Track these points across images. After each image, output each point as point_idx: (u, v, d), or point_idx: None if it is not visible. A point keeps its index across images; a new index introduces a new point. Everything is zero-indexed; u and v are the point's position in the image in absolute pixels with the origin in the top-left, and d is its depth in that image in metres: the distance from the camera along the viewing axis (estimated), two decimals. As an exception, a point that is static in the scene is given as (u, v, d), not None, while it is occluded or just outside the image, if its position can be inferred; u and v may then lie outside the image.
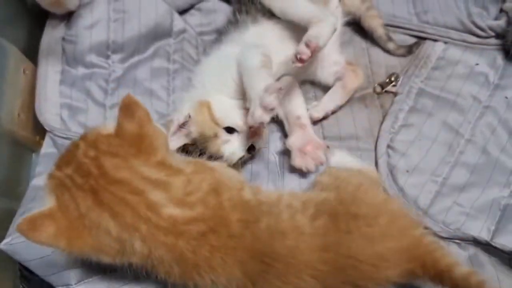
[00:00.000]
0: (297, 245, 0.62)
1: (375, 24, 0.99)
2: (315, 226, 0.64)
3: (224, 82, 0.84)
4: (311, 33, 0.78)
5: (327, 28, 0.79)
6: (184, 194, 0.61)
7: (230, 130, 0.83)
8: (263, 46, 0.83)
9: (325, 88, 0.96)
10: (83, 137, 0.62)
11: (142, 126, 0.60)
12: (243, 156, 0.84)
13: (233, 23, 0.91)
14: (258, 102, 0.73)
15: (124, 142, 0.59)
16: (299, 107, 0.90)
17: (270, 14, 0.89)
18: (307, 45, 0.76)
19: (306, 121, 0.89)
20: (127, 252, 0.59)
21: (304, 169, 0.85)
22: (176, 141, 0.83)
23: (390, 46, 1.00)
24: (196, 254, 0.60)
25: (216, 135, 0.83)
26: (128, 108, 0.60)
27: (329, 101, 0.93)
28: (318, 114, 0.93)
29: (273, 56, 0.82)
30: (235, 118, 0.83)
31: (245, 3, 0.91)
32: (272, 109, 0.72)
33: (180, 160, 0.66)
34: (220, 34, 0.93)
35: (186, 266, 0.61)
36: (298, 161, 0.85)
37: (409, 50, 1.00)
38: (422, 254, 0.64)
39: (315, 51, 0.76)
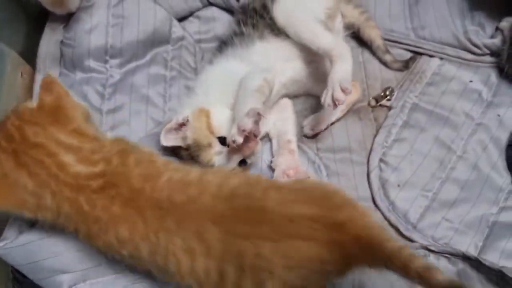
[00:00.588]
0: (200, 194, 0.64)
1: (373, 34, 1.00)
2: (225, 183, 0.66)
3: (227, 94, 0.85)
4: (339, 75, 0.81)
5: (350, 66, 0.83)
6: (90, 153, 0.68)
7: (224, 142, 0.84)
8: (268, 70, 0.85)
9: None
10: (13, 111, 0.71)
11: (60, 99, 0.70)
12: (234, 169, 0.85)
13: (238, 35, 0.92)
14: (236, 123, 0.75)
15: (43, 113, 0.69)
16: (291, 132, 0.92)
17: (278, 31, 0.90)
18: (343, 90, 0.79)
19: (295, 147, 0.91)
20: (42, 207, 0.67)
21: None
22: (170, 139, 0.83)
23: (387, 58, 1.01)
24: (95, 207, 0.65)
25: (210, 145, 0.84)
26: (48, 85, 0.71)
27: (326, 115, 0.94)
28: (312, 132, 0.95)
29: (277, 75, 0.85)
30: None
31: (252, 16, 0.91)
32: (244, 131, 0.74)
33: (101, 133, 0.74)
34: (225, 44, 0.93)
35: (88, 221, 0.66)
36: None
37: (406, 65, 1.01)
38: (357, 228, 0.63)
39: (348, 93, 0.80)
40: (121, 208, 0.64)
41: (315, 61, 0.92)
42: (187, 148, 0.84)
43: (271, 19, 0.89)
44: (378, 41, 1.00)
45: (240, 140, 0.75)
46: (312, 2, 0.90)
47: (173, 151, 0.85)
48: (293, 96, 0.97)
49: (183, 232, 0.63)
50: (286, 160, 0.88)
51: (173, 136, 0.84)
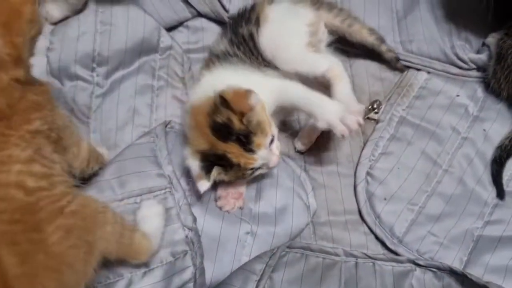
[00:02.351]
0: None
1: (362, 35, 0.98)
2: None
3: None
4: (344, 98, 0.83)
5: (348, 83, 0.86)
6: None
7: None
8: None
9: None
10: None
11: None
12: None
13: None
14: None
15: None
16: None
17: (268, 64, 0.88)
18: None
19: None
20: None
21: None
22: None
23: (383, 48, 0.99)
24: None
25: (266, 135, 0.80)
26: None
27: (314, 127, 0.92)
28: (305, 148, 0.95)
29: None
30: None
31: (242, 44, 0.89)
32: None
33: None
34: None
35: None
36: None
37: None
38: None
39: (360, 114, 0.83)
40: None
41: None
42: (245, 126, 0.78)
43: (257, 50, 0.88)
44: (369, 39, 0.98)
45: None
46: (294, 26, 0.89)
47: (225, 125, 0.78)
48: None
49: None
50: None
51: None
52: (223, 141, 0.77)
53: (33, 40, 0.67)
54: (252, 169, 0.79)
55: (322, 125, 0.80)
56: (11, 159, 0.58)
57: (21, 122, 0.61)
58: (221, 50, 0.89)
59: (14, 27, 0.62)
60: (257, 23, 0.88)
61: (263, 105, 0.80)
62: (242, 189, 0.87)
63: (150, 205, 0.79)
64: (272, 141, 0.80)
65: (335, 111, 0.80)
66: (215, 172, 0.78)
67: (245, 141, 0.77)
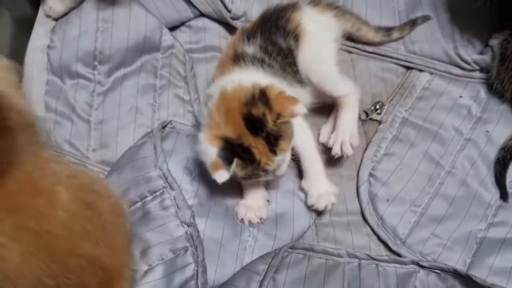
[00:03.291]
0: None
1: (368, 38, 1.00)
2: None
3: None
4: (349, 127, 0.86)
5: (356, 114, 0.89)
6: None
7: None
8: None
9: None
10: None
11: None
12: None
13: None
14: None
15: None
16: None
17: (302, 81, 0.89)
18: (352, 144, 0.86)
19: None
20: None
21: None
22: None
23: (394, 37, 1.01)
24: None
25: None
26: None
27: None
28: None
29: None
30: None
31: (284, 68, 0.88)
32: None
33: None
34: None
35: None
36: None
37: (412, 23, 1.01)
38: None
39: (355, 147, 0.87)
40: None
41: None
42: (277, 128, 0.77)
43: (296, 66, 0.88)
44: (376, 39, 1.00)
45: None
46: (328, 43, 0.91)
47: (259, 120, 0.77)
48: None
49: None
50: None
51: None
52: (253, 134, 0.75)
53: None
54: (266, 170, 0.77)
55: (308, 200, 0.86)
56: None
57: None
58: (250, 53, 0.87)
59: None
60: (296, 39, 0.88)
61: None
62: (265, 198, 0.87)
63: None
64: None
65: (319, 196, 0.85)
66: (236, 164, 0.75)
67: (273, 142, 0.76)
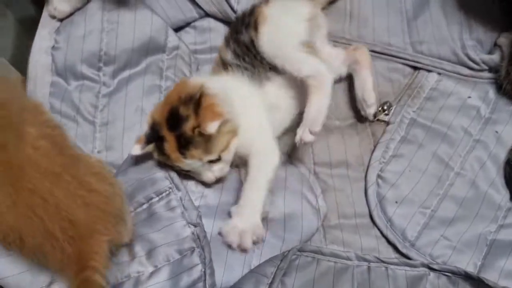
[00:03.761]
0: None
1: None
2: None
3: None
4: (312, 115, 0.79)
5: (326, 99, 0.80)
6: None
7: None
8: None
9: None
10: None
11: None
12: None
13: (241, 68, 0.88)
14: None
15: None
16: None
17: (273, 67, 0.87)
18: (311, 132, 0.79)
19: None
20: None
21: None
22: None
23: None
24: None
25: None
26: None
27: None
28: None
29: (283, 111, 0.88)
30: None
31: (246, 53, 0.88)
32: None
33: None
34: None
35: None
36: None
37: None
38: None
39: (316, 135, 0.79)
40: None
41: None
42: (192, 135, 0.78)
43: (260, 54, 0.86)
44: None
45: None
46: (290, 23, 0.87)
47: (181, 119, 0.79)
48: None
49: None
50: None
51: None
52: (169, 128, 0.78)
53: None
54: (180, 167, 0.81)
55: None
56: None
57: None
58: (228, 59, 0.89)
59: None
60: (256, 26, 0.87)
61: (233, 130, 0.80)
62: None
63: None
64: (215, 162, 0.80)
65: (242, 231, 0.78)
66: (151, 147, 0.80)
67: (184, 144, 0.77)
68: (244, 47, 0.88)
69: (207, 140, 0.77)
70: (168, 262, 0.76)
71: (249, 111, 0.85)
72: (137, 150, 0.80)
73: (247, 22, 0.89)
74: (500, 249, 0.86)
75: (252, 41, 0.87)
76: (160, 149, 0.79)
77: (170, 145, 0.78)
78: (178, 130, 0.77)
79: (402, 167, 0.92)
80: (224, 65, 0.90)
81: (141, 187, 0.81)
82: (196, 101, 0.78)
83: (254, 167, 0.81)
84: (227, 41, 0.92)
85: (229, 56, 0.89)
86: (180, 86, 0.83)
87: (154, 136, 0.79)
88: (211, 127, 0.74)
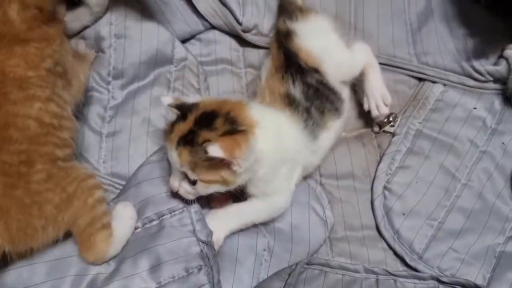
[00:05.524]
0: None
1: None
2: None
3: None
4: (378, 87, 0.92)
5: (379, 70, 0.93)
6: None
7: None
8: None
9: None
10: None
11: None
12: None
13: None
14: None
15: None
16: None
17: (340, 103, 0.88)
18: (385, 104, 0.92)
19: None
20: None
21: None
22: None
23: None
24: None
25: None
26: None
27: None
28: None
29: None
30: None
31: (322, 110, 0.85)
32: None
33: None
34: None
35: None
36: None
37: None
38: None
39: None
40: None
41: None
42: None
43: (332, 90, 0.86)
44: None
45: None
46: (328, 34, 0.90)
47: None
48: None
49: None
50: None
51: None
52: (195, 121, 0.73)
53: None
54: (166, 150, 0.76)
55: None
56: (34, 97, 0.69)
57: (37, 57, 0.71)
58: (292, 95, 0.83)
59: None
60: (314, 68, 0.85)
61: (228, 182, 0.74)
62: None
63: (124, 207, 0.78)
64: (188, 180, 0.74)
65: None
66: (174, 112, 0.77)
67: (187, 139, 0.72)
68: (313, 89, 0.84)
69: (204, 159, 0.71)
70: (173, 279, 0.72)
71: (287, 163, 0.80)
72: (168, 100, 0.77)
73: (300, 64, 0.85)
74: (509, 261, 0.86)
75: (321, 82, 0.85)
76: (173, 124, 0.75)
77: (180, 128, 0.73)
78: (198, 128, 0.72)
79: (409, 178, 0.92)
80: (288, 100, 0.82)
81: (153, 202, 0.79)
82: (233, 129, 0.72)
83: (262, 203, 0.80)
84: (285, 73, 0.84)
85: (297, 94, 0.82)
86: (240, 105, 0.77)
87: (185, 109, 0.75)
88: (214, 151, 0.68)
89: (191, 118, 0.73)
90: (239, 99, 0.83)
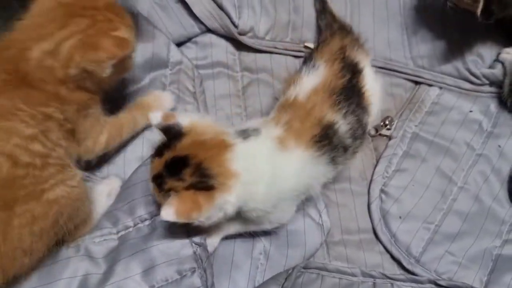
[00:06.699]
0: None
1: None
2: None
3: None
4: None
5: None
6: None
7: None
8: None
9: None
10: None
11: None
12: None
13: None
14: None
15: None
16: None
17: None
18: None
19: None
20: None
21: None
22: None
23: None
24: None
25: None
26: None
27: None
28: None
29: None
30: None
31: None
32: None
33: None
34: None
35: None
36: None
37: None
38: None
39: None
40: None
41: None
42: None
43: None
44: None
45: None
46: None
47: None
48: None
49: None
50: None
51: None
52: (160, 154, 0.70)
53: None
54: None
55: None
56: (11, 131, 0.62)
57: (38, 102, 0.65)
58: (332, 125, 0.76)
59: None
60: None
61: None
62: None
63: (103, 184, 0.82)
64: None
65: None
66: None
67: (159, 182, 0.69)
68: (362, 129, 0.81)
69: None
70: (166, 283, 0.72)
71: (287, 200, 0.77)
72: (157, 118, 0.71)
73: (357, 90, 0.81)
74: (505, 265, 0.86)
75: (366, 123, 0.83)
76: (156, 151, 0.71)
77: (154, 165, 0.70)
78: (166, 173, 0.68)
79: (406, 181, 0.92)
80: (320, 131, 0.75)
81: (146, 202, 0.79)
82: (201, 183, 0.66)
83: (261, 225, 0.78)
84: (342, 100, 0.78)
85: (343, 127, 0.77)
86: (223, 149, 0.68)
87: (169, 134, 0.71)
88: (167, 215, 0.64)
89: (164, 158, 0.69)
90: (227, 136, 0.71)
